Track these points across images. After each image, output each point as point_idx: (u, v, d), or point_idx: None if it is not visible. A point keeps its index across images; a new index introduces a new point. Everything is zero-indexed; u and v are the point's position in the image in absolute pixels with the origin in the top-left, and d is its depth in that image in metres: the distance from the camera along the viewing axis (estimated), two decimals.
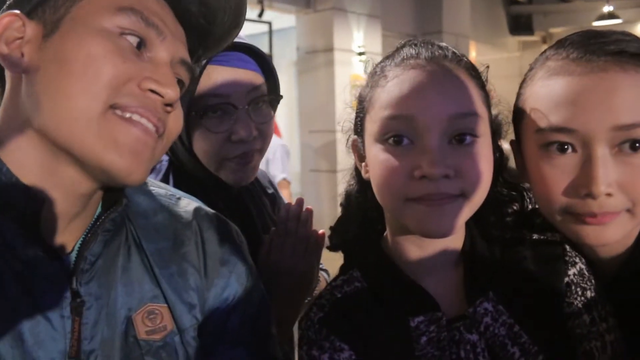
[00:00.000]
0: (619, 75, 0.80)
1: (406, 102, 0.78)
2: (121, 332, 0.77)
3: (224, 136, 1.12)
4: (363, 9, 6.63)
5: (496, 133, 0.88)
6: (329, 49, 6.33)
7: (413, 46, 0.86)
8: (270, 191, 1.42)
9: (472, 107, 0.79)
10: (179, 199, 0.92)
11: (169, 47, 0.76)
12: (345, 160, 1.00)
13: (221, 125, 1.11)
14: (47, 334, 0.70)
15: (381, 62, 0.88)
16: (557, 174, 0.84)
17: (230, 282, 0.89)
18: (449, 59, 0.83)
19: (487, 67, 0.90)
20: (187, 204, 0.92)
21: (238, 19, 0.88)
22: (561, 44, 0.88)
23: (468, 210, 0.80)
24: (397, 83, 0.80)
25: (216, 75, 1.10)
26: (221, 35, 0.89)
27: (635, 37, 0.85)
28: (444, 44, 0.86)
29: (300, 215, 1.15)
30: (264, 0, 5.89)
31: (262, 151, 1.20)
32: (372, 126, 0.83)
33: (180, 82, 0.80)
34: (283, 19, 6.81)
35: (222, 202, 1.13)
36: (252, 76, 1.15)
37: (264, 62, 1.19)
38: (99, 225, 0.77)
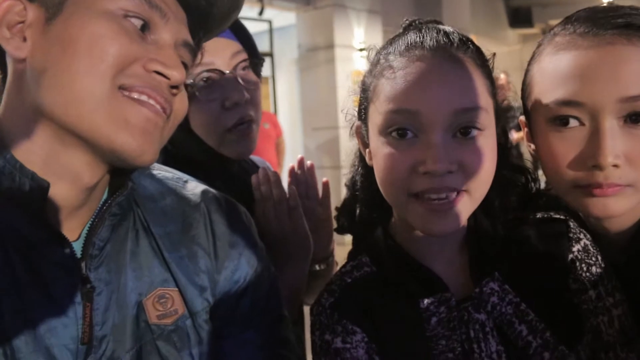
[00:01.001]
0: (626, 48, 0.80)
1: (411, 96, 0.78)
2: (132, 317, 0.76)
3: (218, 104, 1.12)
4: (363, 5, 6.62)
5: (501, 119, 0.88)
6: (330, 46, 6.33)
7: (417, 32, 0.84)
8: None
9: (477, 100, 0.79)
10: (186, 181, 0.92)
11: (172, 29, 0.75)
12: (348, 156, 1.01)
13: (213, 93, 1.12)
14: (59, 321, 0.70)
15: (385, 48, 0.87)
16: (565, 147, 0.85)
17: (241, 265, 0.89)
18: (455, 47, 0.81)
19: (494, 54, 0.89)
20: (195, 187, 0.91)
21: (237, 2, 0.88)
22: (568, 19, 0.89)
23: (470, 206, 0.81)
24: (402, 75, 0.80)
25: None
26: (221, 16, 0.88)
27: None
28: (449, 28, 0.85)
29: (267, 178, 1.15)
30: None
31: (256, 121, 1.20)
32: (376, 117, 0.83)
33: (184, 65, 0.79)
34: (283, 17, 6.80)
35: (222, 182, 1.13)
36: (229, 43, 1.15)
37: (238, 29, 1.19)
38: (106, 210, 0.76)
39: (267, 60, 7.15)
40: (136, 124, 0.70)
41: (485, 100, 0.81)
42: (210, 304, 0.84)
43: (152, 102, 0.72)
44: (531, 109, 0.92)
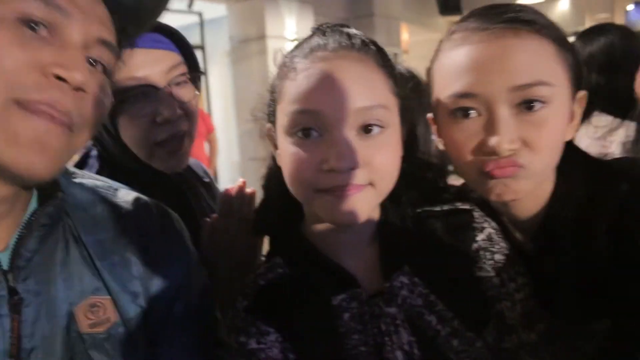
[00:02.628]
0: (513, 40, 0.86)
1: (313, 97, 0.80)
2: (63, 327, 0.76)
3: (149, 119, 1.11)
4: None
5: (408, 116, 0.91)
6: (262, 37, 6.27)
7: (322, 35, 0.87)
8: (206, 180, 1.42)
9: (378, 99, 0.82)
10: (116, 189, 0.91)
11: (79, 27, 0.72)
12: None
13: (144, 109, 1.10)
14: None
15: (291, 51, 0.89)
16: (465, 137, 0.90)
17: (173, 270, 0.89)
18: (357, 49, 0.84)
19: (395, 54, 0.93)
20: (126, 194, 0.91)
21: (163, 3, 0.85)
22: (464, 18, 0.94)
23: (376, 198, 0.85)
24: (304, 77, 0.82)
25: (131, 58, 1.06)
26: (150, 10, 0.86)
27: (532, 9, 0.91)
28: (352, 31, 0.88)
29: (243, 195, 1.15)
30: None
31: (191, 134, 1.18)
32: (282, 118, 0.85)
33: (99, 64, 0.77)
34: (214, 9, 6.68)
35: (158, 191, 1.11)
36: (169, 55, 1.13)
37: (179, 41, 1.17)
38: (34, 221, 0.75)
39: (199, 53, 7.02)
40: (27, 138, 0.66)
41: (386, 98, 0.84)
42: (144, 309, 0.84)
43: (50, 111, 0.68)
44: (435, 105, 0.96)
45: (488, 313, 0.88)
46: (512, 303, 0.89)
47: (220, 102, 7.57)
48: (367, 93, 0.81)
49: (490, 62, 0.86)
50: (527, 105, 0.86)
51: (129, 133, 1.12)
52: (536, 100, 0.86)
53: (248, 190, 1.16)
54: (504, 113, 0.86)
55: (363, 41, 0.86)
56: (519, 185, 0.89)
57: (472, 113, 0.89)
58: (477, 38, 0.88)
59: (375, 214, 0.91)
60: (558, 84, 0.88)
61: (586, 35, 2.19)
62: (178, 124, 1.14)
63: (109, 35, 0.78)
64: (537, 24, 0.88)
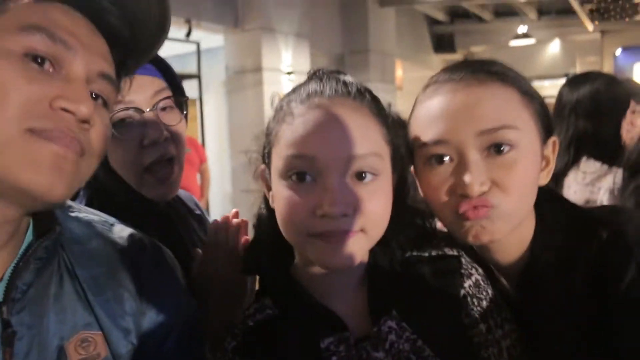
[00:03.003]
0: (478, 89, 0.92)
1: (308, 142, 0.82)
2: None
3: (136, 142, 1.11)
4: (291, 29, 6.69)
5: (399, 163, 0.93)
6: (258, 69, 6.34)
7: (318, 81, 0.88)
8: (197, 212, 1.41)
9: (371, 147, 0.83)
10: (112, 225, 0.92)
11: (82, 61, 0.74)
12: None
13: (131, 132, 1.10)
14: None
15: (288, 95, 0.91)
16: (439, 181, 0.93)
17: (165, 306, 0.89)
18: (352, 97, 0.86)
19: (390, 104, 0.95)
20: (121, 230, 0.91)
21: (163, 26, 0.86)
22: (440, 72, 1.00)
23: (367, 244, 0.86)
24: (301, 122, 0.83)
25: None
26: (148, 44, 0.87)
27: (500, 63, 0.98)
28: (348, 79, 0.90)
29: (229, 226, 1.14)
30: (191, 20, 5.84)
31: (179, 160, 1.18)
32: (277, 161, 0.86)
33: (100, 97, 0.78)
34: (211, 39, 6.76)
35: (148, 220, 1.11)
36: (153, 81, 1.14)
37: (162, 67, 1.18)
38: (32, 254, 0.74)
39: (195, 82, 7.07)
40: (44, 160, 0.68)
41: (379, 146, 0.85)
42: (135, 346, 0.83)
43: (63, 137, 0.70)
44: (413, 154, 1.00)
45: (475, 359, 0.88)
46: (499, 350, 0.89)
47: (214, 132, 7.60)
48: (361, 141, 0.82)
49: (458, 110, 0.91)
50: (495, 148, 0.90)
51: (117, 157, 1.12)
52: (504, 144, 0.89)
53: (236, 220, 1.16)
54: (474, 157, 0.90)
55: (359, 89, 0.88)
56: (494, 226, 0.91)
57: (446, 159, 0.93)
58: (447, 89, 0.94)
59: (365, 258, 0.92)
60: (524, 128, 0.92)
61: (573, 82, 2.26)
62: (165, 146, 1.14)
63: (110, 69, 0.79)
64: (501, 74, 0.95)
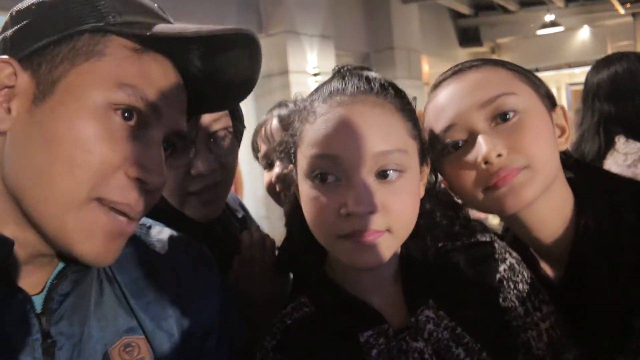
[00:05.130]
0: (475, 73, 0.98)
1: (331, 141, 0.81)
2: None
3: (183, 170, 1.09)
4: (315, 31, 6.70)
5: (425, 157, 0.92)
6: (284, 72, 6.36)
7: (341, 79, 0.88)
8: (240, 215, 1.40)
9: (395, 143, 0.82)
10: (149, 227, 0.92)
11: (164, 124, 0.73)
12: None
13: (179, 160, 1.07)
14: None
15: (311, 95, 0.91)
16: (461, 166, 0.97)
17: (206, 305, 0.89)
18: (375, 93, 0.85)
19: (415, 98, 0.95)
20: (159, 232, 0.91)
21: (247, 89, 0.84)
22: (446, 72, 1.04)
23: (394, 243, 0.85)
24: (323, 122, 0.83)
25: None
26: (224, 99, 0.86)
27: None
28: (372, 75, 0.89)
29: (264, 242, 1.13)
30: None
31: (226, 184, 1.16)
32: (302, 161, 0.86)
33: (172, 146, 0.79)
34: None
35: (190, 230, 1.11)
36: None
37: None
38: (70, 267, 0.75)
39: None
40: (101, 233, 0.69)
41: (404, 142, 0.84)
42: (178, 347, 0.83)
43: (128, 211, 0.71)
44: (433, 147, 1.01)
45: (515, 343, 0.88)
46: (539, 332, 0.89)
47: (244, 136, 7.65)
48: (384, 137, 0.81)
49: (459, 95, 0.97)
50: (501, 117, 0.94)
51: None
52: (507, 111, 0.94)
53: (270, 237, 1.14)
54: (483, 128, 0.94)
55: (382, 85, 0.87)
56: (526, 184, 0.92)
57: (460, 143, 0.97)
58: (448, 82, 1.00)
59: (397, 252, 0.92)
60: (522, 93, 0.95)
61: (596, 66, 2.26)
62: (213, 177, 1.12)
63: (185, 125, 0.79)
64: (493, 60, 1.01)
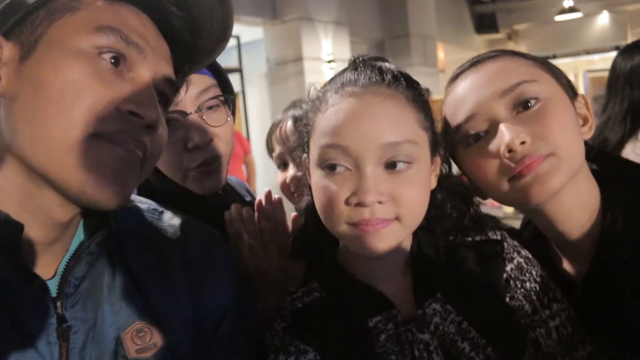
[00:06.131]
0: (494, 64, 0.97)
1: (341, 131, 0.82)
2: (111, 352, 0.76)
3: (180, 145, 1.10)
4: (329, 17, 6.66)
5: (438, 148, 0.93)
6: (299, 59, 6.35)
7: (354, 70, 0.89)
8: (248, 199, 1.40)
9: (406, 134, 0.83)
10: (162, 212, 0.92)
11: (150, 65, 0.74)
12: None
13: (174, 135, 1.08)
14: None
15: (324, 85, 0.92)
16: (483, 156, 0.95)
17: (218, 291, 0.89)
18: (387, 84, 0.85)
19: (428, 90, 0.95)
20: (171, 217, 0.92)
21: (225, 33, 0.86)
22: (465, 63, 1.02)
23: (403, 232, 0.86)
24: (334, 112, 0.84)
25: None
26: (207, 49, 0.87)
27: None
28: (385, 66, 0.89)
29: (242, 216, 1.12)
30: None
31: (225, 156, 1.16)
32: (314, 151, 0.87)
33: (164, 97, 0.79)
34: (251, 32, 6.81)
35: (195, 214, 1.11)
36: (200, 79, 1.11)
37: (210, 64, 1.17)
38: (84, 249, 0.76)
39: (237, 76, 7.13)
40: (108, 165, 0.69)
41: (414, 133, 0.84)
42: (190, 333, 0.84)
43: (129, 140, 0.71)
44: (452, 138, 1.00)
45: (523, 341, 0.88)
46: (547, 330, 0.88)
47: (258, 124, 7.67)
48: (394, 129, 0.82)
49: (479, 85, 0.95)
50: (522, 105, 0.92)
51: (161, 160, 1.08)
52: (528, 98, 0.92)
53: (245, 208, 1.13)
54: (505, 117, 0.92)
55: (394, 76, 0.87)
56: (550, 172, 0.89)
57: (482, 134, 0.95)
58: (468, 73, 0.99)
59: (408, 243, 0.92)
60: (543, 81, 0.94)
61: (627, 51, 2.16)
62: (210, 149, 1.13)
63: (172, 73, 0.79)
64: (511, 51, 1.00)
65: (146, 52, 0.73)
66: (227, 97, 1.19)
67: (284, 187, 1.48)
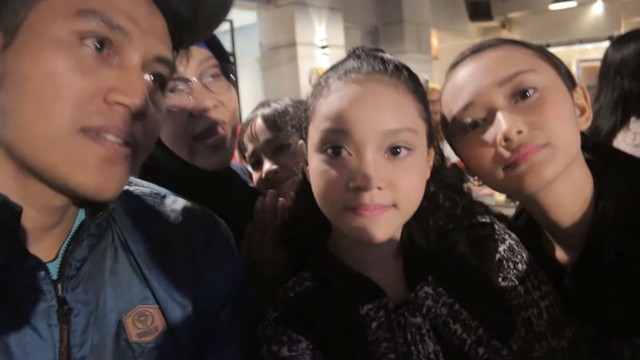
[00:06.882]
0: (494, 52, 0.98)
1: (344, 116, 0.83)
2: (112, 335, 0.76)
3: (185, 113, 1.10)
4: (324, 2, 6.63)
5: (435, 139, 0.94)
6: (292, 44, 6.33)
7: (357, 58, 0.90)
8: (251, 184, 1.41)
9: (407, 122, 0.84)
10: (164, 197, 0.91)
11: (139, 47, 0.70)
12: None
13: (179, 103, 1.09)
14: (35, 345, 0.68)
15: (326, 72, 0.92)
16: (480, 144, 0.96)
17: (219, 278, 0.89)
18: (389, 74, 0.86)
19: (427, 80, 0.96)
20: (173, 202, 0.91)
21: (225, 5, 0.84)
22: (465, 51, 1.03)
23: (399, 219, 0.86)
24: (337, 97, 0.85)
25: None
26: (207, 22, 0.85)
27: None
28: (387, 56, 0.90)
29: (276, 207, 1.13)
30: None
31: (229, 125, 1.16)
32: (314, 135, 0.87)
33: (159, 77, 0.76)
34: (244, 16, 6.77)
35: (202, 193, 1.10)
36: (197, 51, 1.12)
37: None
38: (84, 231, 0.74)
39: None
40: (93, 163, 0.67)
41: (415, 122, 0.86)
42: (191, 318, 0.83)
43: (112, 138, 0.68)
44: (447, 125, 1.01)
45: (513, 321, 0.89)
46: (539, 310, 0.90)
47: (251, 108, 7.63)
48: (396, 116, 0.83)
49: (477, 73, 0.96)
50: (520, 94, 0.93)
51: (167, 130, 1.09)
52: (526, 88, 0.92)
53: (282, 200, 1.14)
54: (502, 105, 0.93)
55: (396, 66, 0.89)
56: (546, 161, 0.90)
57: (479, 122, 0.95)
58: (467, 61, 0.99)
59: (399, 231, 0.93)
60: (542, 71, 0.94)
61: (618, 42, 2.19)
62: (216, 113, 1.12)
63: (167, 51, 0.76)
64: (512, 40, 1.00)
65: (133, 34, 0.69)
66: (226, 65, 1.19)
67: (261, 183, 1.49)
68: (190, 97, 1.10)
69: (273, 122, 1.34)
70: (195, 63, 1.11)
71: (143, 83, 0.71)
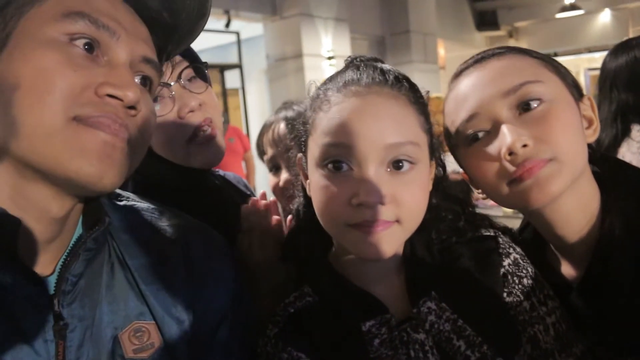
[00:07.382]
0: (498, 62, 0.95)
1: (345, 130, 0.81)
2: (108, 351, 0.75)
3: (173, 116, 1.12)
4: (330, 13, 6.65)
5: (436, 151, 0.93)
6: (298, 55, 6.34)
7: (356, 69, 0.88)
8: (248, 192, 1.41)
9: (408, 135, 0.82)
10: (161, 212, 0.91)
11: (125, 46, 0.73)
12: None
13: (164, 108, 1.11)
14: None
15: (324, 84, 0.90)
16: (484, 157, 0.94)
17: (218, 293, 0.88)
18: (390, 85, 0.85)
19: (428, 92, 0.94)
20: (170, 217, 0.90)
21: (203, 9, 0.85)
22: (467, 60, 1.01)
23: (403, 235, 0.85)
24: (337, 111, 0.83)
25: None
26: (188, 28, 0.86)
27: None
28: (386, 67, 0.89)
29: (258, 209, 1.13)
30: (230, 11, 5.88)
31: (216, 120, 1.19)
32: (314, 150, 0.86)
33: (146, 79, 0.78)
34: (251, 28, 6.80)
35: (198, 202, 1.11)
36: None
37: None
38: (80, 245, 0.74)
39: (237, 71, 7.12)
40: (92, 148, 0.68)
41: (417, 135, 0.84)
42: (188, 335, 0.83)
43: (110, 123, 0.69)
44: (452, 137, 0.99)
45: (519, 338, 0.87)
46: (545, 327, 0.87)
47: (258, 120, 7.66)
48: (398, 129, 0.81)
49: (482, 83, 0.94)
50: (525, 106, 0.90)
51: (158, 139, 1.12)
52: (531, 99, 0.90)
53: (264, 202, 1.15)
54: (507, 117, 0.90)
55: (396, 77, 0.87)
56: (551, 177, 0.88)
57: (481, 134, 0.93)
58: (471, 70, 0.97)
59: (401, 246, 0.91)
60: (548, 81, 0.92)
61: (613, 52, 2.16)
62: (202, 112, 1.15)
63: (152, 53, 0.78)
64: (518, 48, 0.97)
65: (119, 34, 0.72)
66: (198, 66, 1.20)
67: (277, 190, 1.47)
68: (174, 102, 1.12)
69: None
70: (169, 68, 1.13)
71: (133, 77, 0.73)
